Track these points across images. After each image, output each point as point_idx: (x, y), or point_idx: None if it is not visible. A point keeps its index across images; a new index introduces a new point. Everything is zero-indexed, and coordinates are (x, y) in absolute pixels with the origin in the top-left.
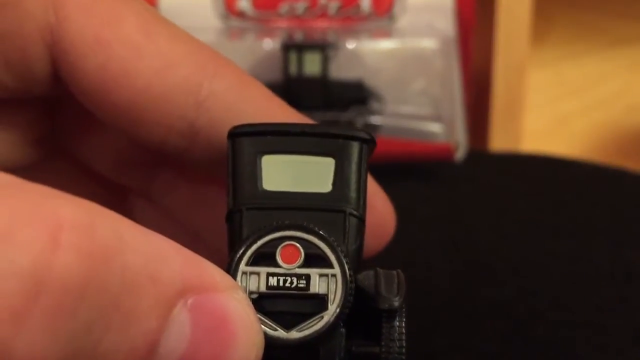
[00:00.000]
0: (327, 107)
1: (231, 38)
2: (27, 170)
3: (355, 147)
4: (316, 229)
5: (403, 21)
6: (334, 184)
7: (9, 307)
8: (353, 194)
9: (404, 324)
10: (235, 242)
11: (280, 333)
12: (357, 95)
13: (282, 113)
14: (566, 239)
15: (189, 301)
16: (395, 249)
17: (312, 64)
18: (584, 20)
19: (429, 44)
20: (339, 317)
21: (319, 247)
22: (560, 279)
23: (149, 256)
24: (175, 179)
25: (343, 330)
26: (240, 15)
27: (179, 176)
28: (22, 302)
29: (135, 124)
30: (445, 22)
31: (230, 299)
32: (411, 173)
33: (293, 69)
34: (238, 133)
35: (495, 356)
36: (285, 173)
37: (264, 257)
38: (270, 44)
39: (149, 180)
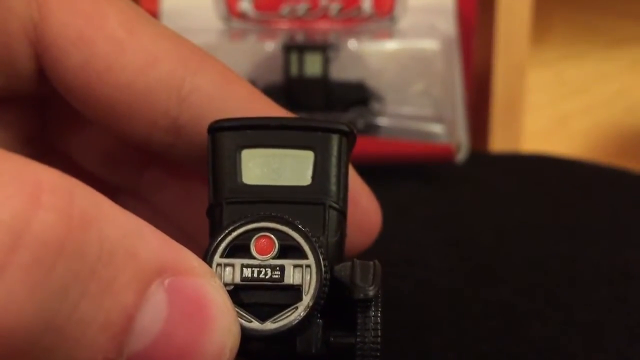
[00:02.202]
0: (328, 108)
1: (232, 39)
2: None
3: (334, 139)
4: (290, 219)
5: (404, 22)
6: (313, 176)
7: None
8: (333, 186)
9: (379, 314)
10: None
11: (256, 324)
12: (358, 96)
13: (265, 109)
14: (566, 239)
15: (166, 281)
16: (396, 249)
17: (313, 65)
18: (584, 20)
19: (430, 45)
20: (313, 308)
21: (293, 238)
22: (559, 278)
23: (126, 231)
24: (163, 177)
25: (320, 321)
26: (242, 16)
27: (166, 174)
28: (2, 252)
29: (120, 120)
30: (446, 23)
31: (207, 284)
32: (412, 174)
33: (294, 70)
34: (218, 127)
35: (493, 355)
36: (264, 167)
37: (239, 249)
38: (271, 45)
39: (137, 177)
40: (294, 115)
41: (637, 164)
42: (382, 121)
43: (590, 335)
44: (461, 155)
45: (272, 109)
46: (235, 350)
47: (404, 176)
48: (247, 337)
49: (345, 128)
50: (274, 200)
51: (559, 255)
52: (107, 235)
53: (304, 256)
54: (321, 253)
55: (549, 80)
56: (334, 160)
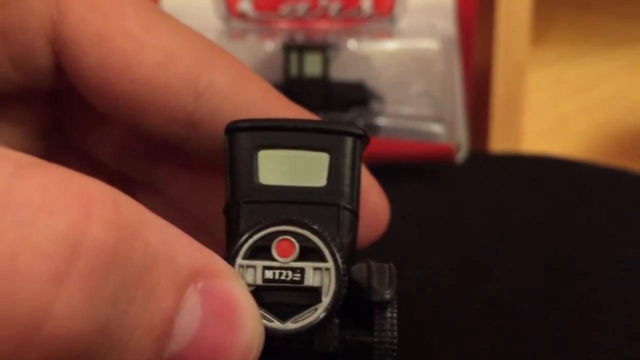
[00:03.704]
0: (328, 108)
1: (232, 39)
2: None
3: (349, 142)
4: (310, 223)
5: (404, 22)
6: (328, 178)
7: (50, 269)
8: (347, 188)
9: (395, 315)
10: (233, 234)
11: (277, 324)
12: (358, 96)
13: (279, 104)
14: (566, 239)
15: (199, 285)
16: (396, 249)
17: (313, 65)
18: (584, 20)
19: (429, 44)
20: (332, 309)
21: (313, 242)
22: (559, 278)
23: (164, 238)
24: (176, 169)
25: (336, 320)
26: (242, 16)
27: (179, 166)
28: (61, 265)
29: (137, 116)
30: (446, 23)
31: (235, 286)
32: (412, 173)
33: (294, 70)
34: (235, 128)
35: (493, 355)
36: (281, 167)
37: (260, 251)
38: (271, 45)
39: (151, 170)
40: (305, 112)
41: (636, 164)
42: (382, 121)
43: (590, 335)
44: (461, 155)
45: (286, 105)
46: (260, 349)
47: (404, 176)
48: (267, 336)
49: (359, 131)
50: (289, 201)
51: (559, 255)
52: (150, 242)
53: (323, 259)
54: (340, 257)
55: (549, 80)
56: (348, 163)
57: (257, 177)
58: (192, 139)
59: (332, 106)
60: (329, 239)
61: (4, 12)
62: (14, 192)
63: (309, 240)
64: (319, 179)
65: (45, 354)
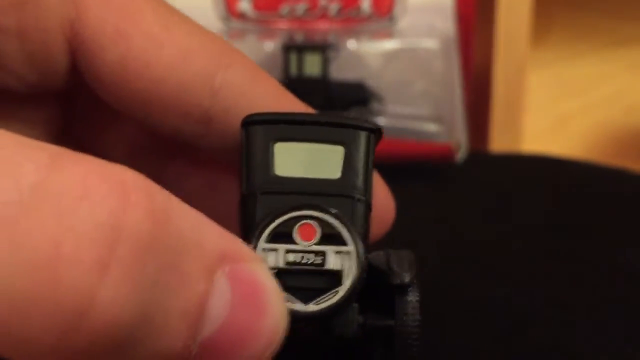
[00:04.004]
0: (328, 108)
1: (232, 39)
2: None
3: (363, 136)
4: (331, 209)
5: (403, 22)
6: (343, 171)
7: (93, 256)
8: (360, 180)
9: (417, 299)
10: (250, 224)
11: (299, 306)
12: (358, 96)
13: (289, 102)
14: (566, 238)
15: (227, 269)
16: (395, 248)
17: (312, 65)
18: (584, 20)
19: (429, 44)
20: (353, 292)
21: (333, 226)
22: (559, 278)
23: (193, 223)
24: (186, 166)
25: (356, 305)
26: (241, 16)
27: (190, 163)
28: (104, 252)
29: (153, 113)
30: (446, 23)
31: (260, 269)
32: (412, 173)
33: (293, 70)
34: (251, 121)
35: (493, 355)
36: (296, 160)
37: (282, 236)
38: (270, 45)
39: (163, 167)
40: (310, 110)
41: (636, 164)
42: (382, 121)
43: (590, 335)
44: (461, 155)
45: (295, 103)
46: (285, 330)
47: (404, 176)
48: (290, 318)
49: (373, 125)
50: (305, 192)
51: (559, 254)
52: (181, 228)
53: (343, 243)
54: (360, 241)
55: (549, 80)
56: (362, 156)
57: (273, 169)
58: (207, 136)
59: (332, 106)
60: (349, 223)
61: (22, 12)
62: (53, 183)
63: (329, 224)
64: (333, 171)
65: (90, 340)
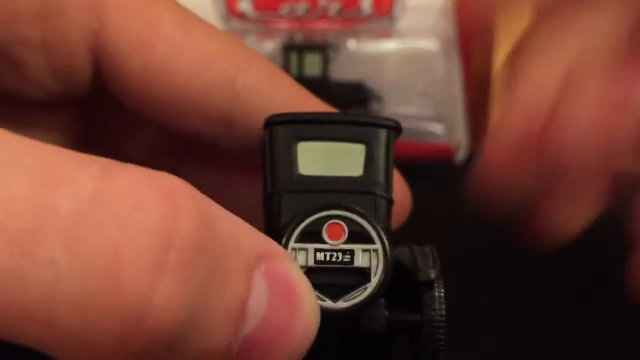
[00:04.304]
0: None
1: None
2: None
3: (384, 133)
4: (358, 208)
5: (404, 22)
6: (364, 168)
7: (150, 261)
8: (382, 177)
9: (442, 294)
10: (275, 223)
11: (328, 303)
12: (358, 96)
13: (309, 101)
14: None
15: (263, 268)
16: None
17: (312, 65)
18: None
19: (429, 44)
20: (380, 288)
21: (361, 225)
22: (559, 278)
23: (231, 226)
24: (203, 165)
25: (382, 300)
26: (241, 16)
27: (206, 162)
28: (158, 257)
29: (174, 118)
30: (446, 23)
31: (292, 267)
32: (412, 174)
33: (293, 69)
34: (274, 122)
35: (493, 355)
36: (319, 158)
37: (311, 235)
38: (270, 45)
39: (177, 166)
40: (331, 109)
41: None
42: None
43: (590, 336)
44: (460, 155)
45: (315, 102)
46: (318, 326)
47: (404, 176)
48: (321, 315)
49: (393, 123)
50: (329, 190)
51: (559, 254)
52: (221, 231)
53: (370, 241)
54: (387, 239)
55: None
56: (383, 153)
57: (297, 168)
58: (228, 137)
59: (331, 106)
60: (375, 221)
61: (46, 25)
62: (108, 192)
63: (357, 223)
64: (355, 169)
65: (148, 340)
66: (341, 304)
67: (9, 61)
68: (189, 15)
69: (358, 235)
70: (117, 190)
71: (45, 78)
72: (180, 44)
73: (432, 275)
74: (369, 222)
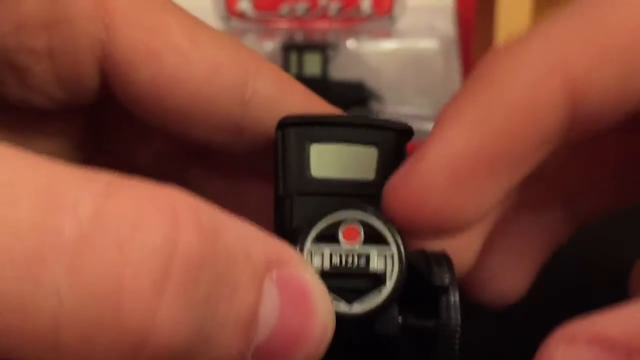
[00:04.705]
0: None
1: None
2: None
3: (396, 137)
4: (375, 211)
5: (403, 22)
6: (376, 171)
7: (150, 282)
8: None
9: (457, 299)
10: (286, 226)
11: (343, 307)
12: (358, 95)
13: (319, 106)
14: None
15: (274, 275)
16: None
17: (312, 65)
18: None
19: (429, 44)
20: (395, 292)
21: (376, 228)
22: (559, 278)
23: (239, 234)
24: (211, 169)
25: (396, 305)
26: (241, 16)
27: (214, 166)
28: (160, 276)
29: (184, 126)
30: (446, 23)
31: (306, 272)
32: None
33: (293, 69)
34: (287, 124)
35: (493, 354)
36: (331, 161)
37: (327, 237)
38: (270, 45)
39: (186, 170)
40: (343, 113)
41: None
42: None
43: None
44: None
45: (325, 106)
46: (333, 330)
47: None
48: (335, 319)
49: (405, 127)
50: (340, 193)
51: (558, 254)
52: (229, 241)
53: (385, 244)
54: (402, 243)
55: None
56: (394, 156)
57: (309, 170)
58: (238, 144)
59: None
60: (390, 225)
61: (53, 34)
62: (109, 212)
63: (372, 226)
64: (367, 172)
65: None
66: (356, 307)
67: (15, 69)
68: (196, 23)
69: (373, 238)
70: (118, 209)
71: (51, 87)
72: (189, 53)
73: (447, 280)
74: (385, 225)
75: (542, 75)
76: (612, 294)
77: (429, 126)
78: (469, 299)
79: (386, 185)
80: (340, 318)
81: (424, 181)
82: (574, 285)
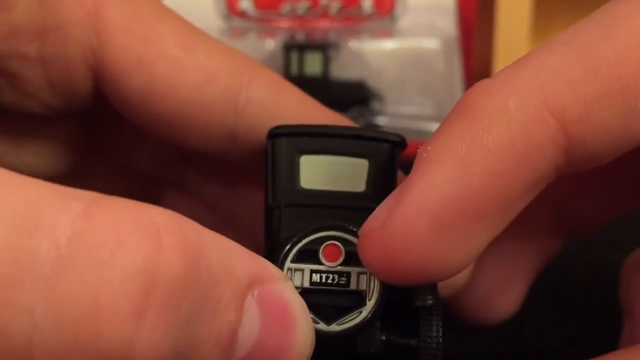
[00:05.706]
0: (328, 107)
1: (233, 38)
2: (65, 176)
3: (387, 149)
4: (356, 229)
5: (404, 21)
6: (367, 183)
7: (130, 305)
8: (384, 193)
9: (440, 321)
10: (274, 236)
11: (322, 326)
12: (358, 95)
13: (315, 111)
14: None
15: (255, 292)
16: None
17: (313, 64)
18: None
19: (430, 44)
20: (376, 312)
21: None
22: (559, 278)
23: (222, 253)
24: (207, 172)
25: (378, 323)
26: (242, 15)
27: (211, 169)
28: (140, 300)
29: (178, 133)
30: (447, 22)
31: (286, 289)
32: None
33: (294, 69)
34: (278, 133)
35: (494, 354)
36: (321, 172)
37: (308, 255)
38: (271, 44)
39: (183, 173)
40: (343, 119)
41: None
42: (382, 120)
43: (590, 335)
44: None
45: (323, 112)
46: (313, 347)
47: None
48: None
49: (397, 138)
50: (330, 205)
51: (557, 254)
52: (211, 261)
53: None
54: None
55: None
56: (386, 169)
57: (299, 181)
58: (232, 152)
59: (332, 105)
60: None
61: (44, 41)
62: (89, 233)
63: (354, 245)
64: (358, 184)
65: None
66: (335, 327)
67: (8, 75)
68: (190, 31)
69: (355, 257)
70: (98, 229)
71: (44, 92)
72: (182, 61)
73: (430, 300)
74: None
75: (535, 115)
76: (612, 294)
77: (429, 126)
78: (461, 319)
79: (361, 230)
80: (321, 336)
81: (403, 228)
82: (574, 286)
